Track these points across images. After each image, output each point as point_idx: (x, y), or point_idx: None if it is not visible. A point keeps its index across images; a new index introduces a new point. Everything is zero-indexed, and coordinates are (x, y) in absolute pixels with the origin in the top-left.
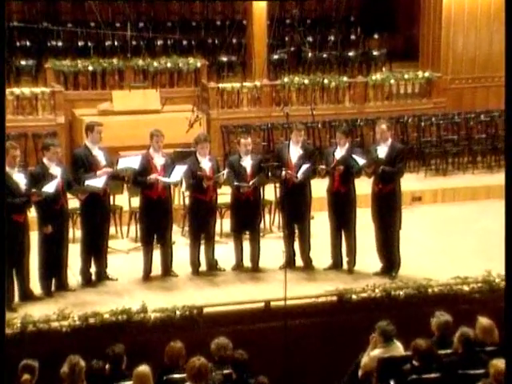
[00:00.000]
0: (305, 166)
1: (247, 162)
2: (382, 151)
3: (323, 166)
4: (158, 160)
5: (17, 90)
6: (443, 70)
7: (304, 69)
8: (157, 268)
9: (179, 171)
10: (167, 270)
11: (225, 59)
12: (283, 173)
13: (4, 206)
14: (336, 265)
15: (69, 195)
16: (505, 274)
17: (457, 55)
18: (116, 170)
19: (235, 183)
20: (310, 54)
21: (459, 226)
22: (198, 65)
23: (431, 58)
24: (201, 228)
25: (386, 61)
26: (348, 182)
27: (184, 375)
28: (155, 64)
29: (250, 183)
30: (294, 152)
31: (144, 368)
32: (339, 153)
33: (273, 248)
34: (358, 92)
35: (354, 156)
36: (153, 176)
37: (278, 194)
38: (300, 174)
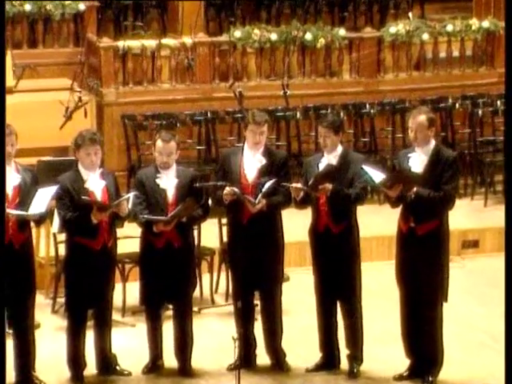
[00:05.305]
0: (269, 184)
1: (169, 181)
2: (419, 162)
3: (298, 184)
4: (10, 177)
5: None
6: None
7: (270, 15)
8: (8, 371)
9: (46, 197)
10: (26, 374)
11: None
12: (222, 192)
13: (4, 207)
14: (328, 362)
15: None
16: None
17: None
18: None
19: (145, 216)
20: None
21: None
22: (81, 8)
23: None
24: (87, 299)
25: (414, 2)
26: (345, 216)
27: None
28: (6, 7)
29: (169, 215)
30: (251, 162)
31: None
32: (326, 162)
33: (216, 333)
34: (365, 56)
35: (364, 167)
36: None
37: (224, 237)
38: (261, 198)
